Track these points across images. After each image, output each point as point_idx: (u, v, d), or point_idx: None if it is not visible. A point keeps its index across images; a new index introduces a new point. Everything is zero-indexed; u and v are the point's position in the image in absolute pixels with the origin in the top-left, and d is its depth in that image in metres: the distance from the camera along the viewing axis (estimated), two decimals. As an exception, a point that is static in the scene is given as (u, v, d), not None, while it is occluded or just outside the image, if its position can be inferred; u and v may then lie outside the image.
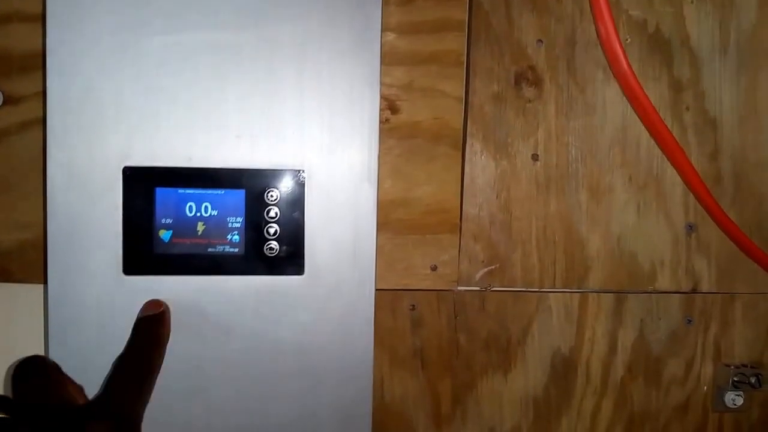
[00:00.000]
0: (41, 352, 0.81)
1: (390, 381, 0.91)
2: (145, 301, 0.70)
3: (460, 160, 0.86)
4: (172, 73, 0.70)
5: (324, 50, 0.72)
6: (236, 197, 0.71)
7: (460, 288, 0.90)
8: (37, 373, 0.55)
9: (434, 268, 0.87)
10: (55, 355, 0.70)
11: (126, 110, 0.70)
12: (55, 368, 0.57)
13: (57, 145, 0.69)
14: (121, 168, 0.69)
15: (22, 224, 0.80)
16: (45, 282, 0.71)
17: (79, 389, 0.61)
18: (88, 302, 0.70)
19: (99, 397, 0.57)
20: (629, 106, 0.90)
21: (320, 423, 0.75)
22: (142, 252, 0.70)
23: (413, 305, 0.91)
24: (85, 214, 0.70)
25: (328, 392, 0.74)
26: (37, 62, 0.78)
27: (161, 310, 0.68)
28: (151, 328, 0.66)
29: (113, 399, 0.57)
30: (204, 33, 0.70)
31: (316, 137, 0.73)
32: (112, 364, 0.61)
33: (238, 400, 0.73)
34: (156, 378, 0.62)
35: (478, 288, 0.91)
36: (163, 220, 0.70)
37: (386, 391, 0.92)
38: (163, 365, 0.70)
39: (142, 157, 0.70)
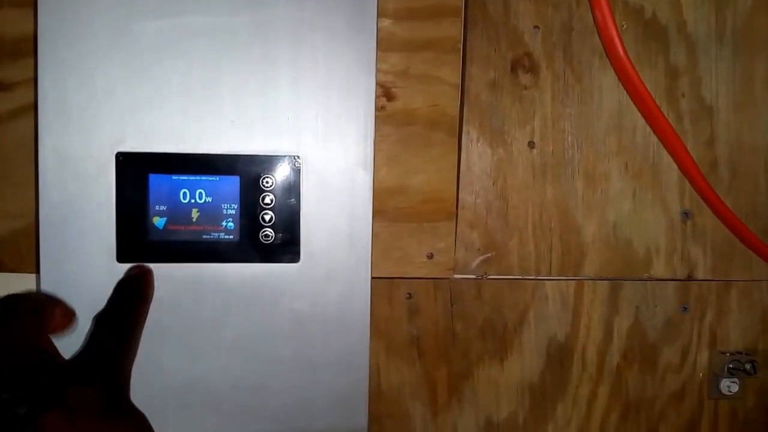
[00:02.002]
0: None
1: (386, 369, 0.89)
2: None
3: (457, 148, 0.84)
4: (165, 57, 0.68)
5: (319, 35, 0.70)
6: (231, 183, 0.68)
7: (456, 276, 0.88)
8: (8, 323, 0.48)
9: (430, 256, 0.85)
10: (48, 345, 0.67)
11: (119, 95, 0.67)
12: (30, 309, 0.50)
13: (49, 131, 0.66)
14: (114, 154, 0.67)
15: (13, 213, 0.78)
16: (38, 271, 0.68)
17: (69, 313, 0.56)
18: (82, 291, 0.67)
19: (82, 357, 0.50)
20: (625, 93, 0.87)
21: (316, 411, 0.73)
22: (136, 239, 0.68)
23: (409, 293, 0.89)
24: (78, 201, 0.67)
25: (323, 380, 0.72)
26: (28, 48, 0.75)
27: (145, 269, 0.64)
28: (135, 285, 0.62)
29: (98, 359, 0.50)
30: (198, 17, 0.68)
31: (311, 123, 0.70)
32: (93, 319, 0.57)
33: (233, 389, 0.71)
34: (140, 338, 0.57)
35: (474, 276, 0.89)
36: (157, 207, 0.68)
37: (383, 380, 0.90)
38: (158, 353, 0.68)
39: (136, 143, 0.67)
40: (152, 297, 0.64)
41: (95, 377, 0.48)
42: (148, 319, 0.67)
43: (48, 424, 0.41)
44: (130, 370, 0.53)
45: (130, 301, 0.60)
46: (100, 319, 0.56)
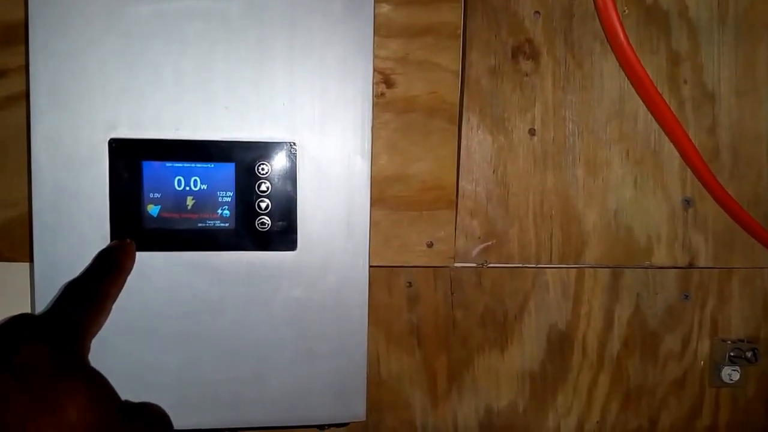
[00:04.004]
0: None
1: (386, 358, 0.87)
2: (135, 279, 0.65)
3: (457, 135, 0.82)
4: (158, 42, 0.64)
5: (315, 20, 0.67)
6: (226, 171, 0.66)
7: (456, 264, 0.85)
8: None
9: (430, 245, 0.82)
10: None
11: (111, 81, 0.64)
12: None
13: (41, 119, 0.64)
14: (107, 141, 0.64)
15: (6, 202, 0.76)
16: (31, 260, 0.65)
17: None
18: (76, 280, 0.65)
19: (40, 316, 0.48)
20: (627, 79, 0.84)
21: (314, 400, 0.70)
22: (130, 227, 0.65)
23: (409, 282, 0.86)
24: (71, 189, 0.64)
25: (322, 369, 0.70)
26: (19, 34, 0.72)
27: (126, 241, 0.62)
28: (113, 254, 0.60)
29: (56, 320, 0.48)
30: (191, 1, 0.65)
31: (307, 110, 0.67)
32: (63, 285, 0.54)
33: (229, 378, 0.68)
34: (110, 306, 0.54)
35: (474, 264, 0.86)
36: (152, 195, 0.65)
37: (382, 368, 0.87)
38: (152, 342, 0.66)
39: (129, 130, 0.64)
40: (130, 268, 0.61)
41: (47, 336, 0.45)
42: (142, 308, 0.65)
43: None
44: (91, 332, 0.50)
45: (101, 270, 0.58)
46: (68, 284, 0.53)
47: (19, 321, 0.46)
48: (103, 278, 0.56)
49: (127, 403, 0.46)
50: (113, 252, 0.61)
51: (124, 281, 0.59)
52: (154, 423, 0.48)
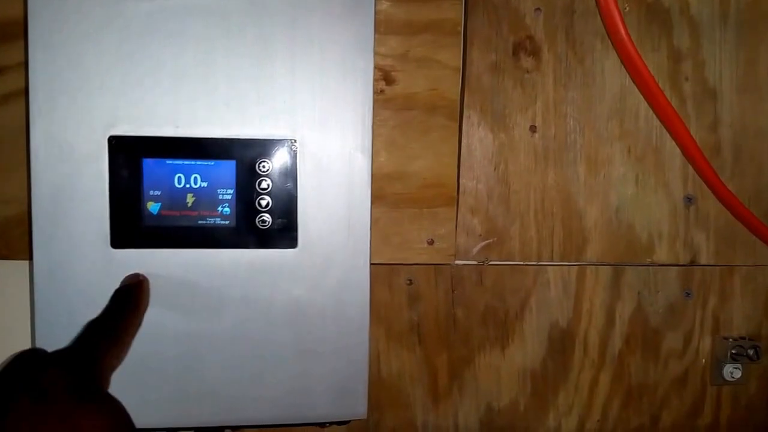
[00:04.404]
0: (28, 330, 0.77)
1: (387, 356, 0.87)
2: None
3: (457, 132, 0.81)
4: (158, 39, 0.64)
5: (316, 17, 0.66)
6: (227, 168, 0.65)
7: (457, 262, 0.85)
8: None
9: (431, 242, 0.82)
10: (42, 333, 0.65)
11: (111, 78, 0.64)
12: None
13: (40, 116, 0.63)
14: (107, 138, 0.64)
15: (5, 200, 0.75)
16: (30, 258, 0.65)
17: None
18: (76, 278, 0.65)
19: (65, 348, 0.51)
20: (628, 76, 0.84)
21: (315, 399, 0.70)
22: (130, 225, 0.65)
23: (410, 279, 0.86)
24: (71, 186, 0.64)
25: (323, 368, 0.69)
26: (18, 31, 0.72)
27: (141, 278, 0.63)
28: (130, 293, 0.62)
29: (76, 349, 0.51)
30: (191, -2, 0.64)
31: (308, 107, 0.67)
32: (85, 324, 0.56)
33: (230, 377, 0.68)
34: (130, 344, 0.57)
35: (475, 262, 0.86)
36: (152, 192, 0.65)
37: (383, 366, 0.87)
38: (153, 341, 0.65)
39: (129, 127, 0.64)
40: (146, 306, 0.63)
41: (71, 363, 0.47)
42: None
43: (20, 406, 0.40)
44: (112, 365, 0.53)
45: (120, 307, 0.60)
46: (90, 323, 0.55)
47: (41, 351, 0.49)
48: (122, 316, 0.59)
49: None
50: (131, 290, 0.62)
51: (143, 318, 0.62)
52: None
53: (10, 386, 0.43)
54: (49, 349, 0.55)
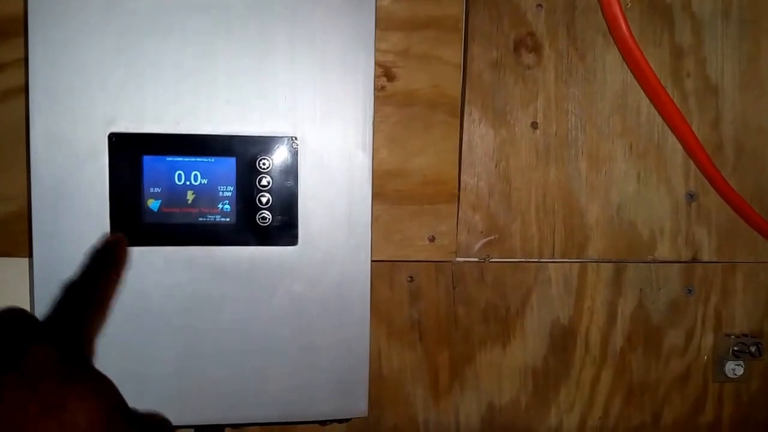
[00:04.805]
0: None
1: (387, 353, 0.87)
2: (134, 274, 0.64)
3: (458, 129, 0.81)
4: (158, 35, 0.64)
5: (317, 13, 0.66)
6: (227, 165, 0.65)
7: (458, 259, 0.85)
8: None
9: (432, 239, 0.81)
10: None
11: (111, 75, 0.64)
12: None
13: (40, 113, 0.63)
14: (107, 135, 0.63)
15: (6, 197, 0.75)
16: (30, 255, 0.65)
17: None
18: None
19: (45, 320, 0.49)
20: (630, 72, 0.84)
21: (316, 396, 0.70)
22: (131, 222, 0.65)
23: (411, 276, 0.85)
24: (71, 184, 0.64)
25: (323, 365, 0.69)
26: (18, 28, 0.71)
27: (119, 237, 0.61)
28: (108, 251, 0.60)
29: (60, 323, 0.49)
30: (191, -6, 0.64)
31: (308, 104, 0.67)
32: (61, 286, 0.55)
33: (231, 374, 0.68)
34: (111, 306, 0.55)
35: (476, 259, 0.85)
36: (152, 189, 0.64)
37: (384, 364, 0.87)
38: (153, 338, 0.65)
39: (129, 124, 0.64)
40: (125, 265, 0.61)
41: (55, 340, 0.45)
42: (142, 303, 0.64)
43: (6, 386, 0.39)
44: (94, 336, 0.50)
45: (99, 269, 0.57)
46: (67, 286, 0.53)
47: (21, 320, 0.46)
48: (101, 277, 0.56)
49: (134, 411, 0.46)
50: (109, 248, 0.60)
51: (123, 277, 0.59)
52: None
53: None
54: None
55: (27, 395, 0.39)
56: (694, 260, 0.89)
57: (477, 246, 0.85)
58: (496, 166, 0.84)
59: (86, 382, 0.42)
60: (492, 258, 0.85)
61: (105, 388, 0.43)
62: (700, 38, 0.85)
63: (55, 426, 0.38)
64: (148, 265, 0.65)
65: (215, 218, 0.66)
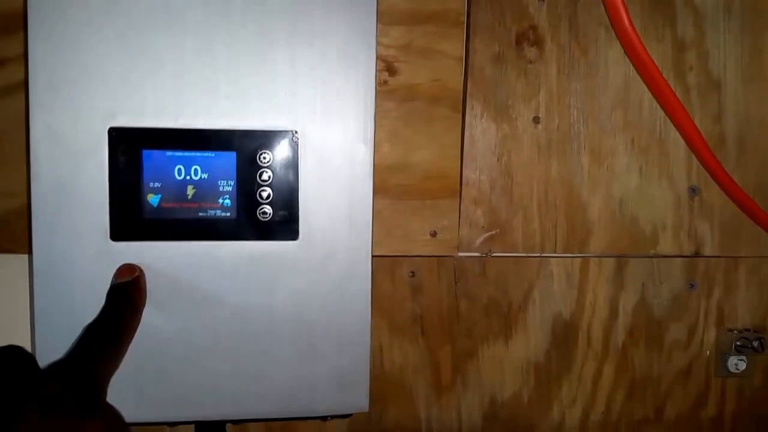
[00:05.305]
0: (28, 324, 0.76)
1: (389, 349, 0.86)
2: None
3: (460, 124, 0.81)
4: (158, 30, 0.64)
5: (317, 7, 0.66)
6: (227, 159, 0.65)
7: (460, 254, 0.85)
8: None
9: (434, 234, 0.81)
10: (42, 327, 0.64)
11: (111, 69, 0.63)
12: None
13: (40, 108, 0.63)
14: (107, 129, 0.63)
15: (5, 193, 0.75)
16: (30, 251, 0.64)
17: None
18: (75, 270, 0.64)
19: (63, 360, 0.51)
20: (632, 66, 0.83)
21: (317, 392, 0.70)
22: (130, 217, 0.64)
23: (413, 272, 0.85)
24: (71, 179, 0.64)
25: (324, 360, 0.69)
26: (18, 23, 0.71)
27: (136, 275, 0.62)
28: (126, 293, 0.61)
29: (75, 359, 0.51)
30: (191, -12, 0.64)
31: (309, 98, 0.66)
32: (83, 329, 0.56)
33: (231, 370, 0.68)
34: (128, 345, 0.57)
35: (478, 254, 0.85)
36: (152, 184, 0.64)
37: (385, 359, 0.87)
38: (153, 335, 0.65)
39: (129, 118, 0.64)
40: (143, 305, 0.63)
41: (71, 377, 0.48)
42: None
43: (22, 416, 0.40)
44: (109, 375, 0.53)
45: (118, 312, 0.60)
46: (88, 327, 0.56)
47: (25, 354, 0.49)
48: (118, 321, 0.59)
49: None
50: (126, 291, 0.62)
51: (140, 319, 0.62)
52: None
53: (14, 397, 0.43)
54: (50, 344, 0.56)
55: (42, 426, 0.41)
56: (697, 255, 0.89)
57: (479, 241, 0.85)
58: (497, 161, 0.84)
59: (99, 417, 0.45)
60: (494, 253, 0.85)
61: (116, 422, 0.46)
62: (702, 32, 0.85)
63: None
64: (148, 260, 0.65)
65: (215, 213, 0.65)
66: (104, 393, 0.51)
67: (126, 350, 0.56)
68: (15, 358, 0.47)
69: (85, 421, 0.44)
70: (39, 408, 0.42)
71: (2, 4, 0.72)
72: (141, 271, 0.64)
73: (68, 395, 0.45)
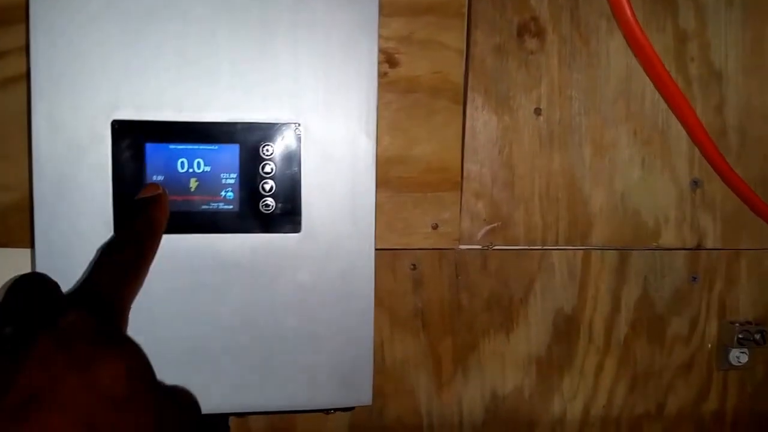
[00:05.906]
0: None
1: (390, 342, 0.87)
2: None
3: (461, 115, 0.81)
4: (161, 22, 0.64)
5: (319, -1, 0.67)
6: (230, 152, 0.66)
7: (461, 247, 0.85)
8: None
9: (435, 227, 0.82)
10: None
11: (113, 61, 0.64)
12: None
13: (42, 100, 0.64)
14: (110, 122, 0.64)
15: (6, 186, 0.75)
16: (32, 246, 0.65)
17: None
18: (78, 265, 0.64)
19: (80, 284, 0.49)
20: (634, 57, 0.84)
21: (320, 385, 0.70)
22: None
23: (414, 265, 0.86)
24: (73, 172, 0.64)
25: (327, 354, 0.70)
26: (19, 14, 0.72)
27: (159, 192, 0.61)
28: (147, 210, 0.59)
29: (93, 284, 0.49)
30: (193, -21, 0.65)
31: (312, 90, 0.67)
32: (99, 248, 0.54)
33: (233, 364, 0.68)
34: (148, 267, 0.53)
35: (480, 246, 0.86)
36: (154, 177, 0.65)
37: (386, 353, 0.88)
38: (155, 327, 0.66)
39: (132, 111, 0.64)
40: (165, 224, 0.60)
41: (90, 305, 0.46)
42: (144, 292, 0.64)
43: (39, 341, 0.39)
44: (129, 302, 0.50)
45: (137, 230, 0.57)
46: (105, 249, 0.53)
47: (50, 282, 0.47)
48: (139, 242, 0.55)
49: (162, 383, 0.47)
50: (148, 208, 0.60)
51: (160, 241, 0.58)
52: (184, 407, 0.49)
53: (27, 323, 0.41)
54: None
55: (57, 352, 0.40)
56: (699, 247, 0.89)
57: (480, 234, 0.85)
58: (499, 153, 0.85)
59: (116, 346, 0.43)
60: (495, 246, 0.86)
61: (134, 356, 0.44)
62: (704, 23, 0.86)
63: (79, 383, 0.39)
64: (151, 253, 0.66)
65: (218, 206, 0.66)
66: (125, 323, 0.48)
67: (145, 276, 0.53)
68: (36, 285, 0.46)
69: (104, 353, 0.42)
70: (54, 337, 0.41)
71: (3, -3, 0.73)
72: (165, 190, 0.62)
73: (87, 324, 0.43)
